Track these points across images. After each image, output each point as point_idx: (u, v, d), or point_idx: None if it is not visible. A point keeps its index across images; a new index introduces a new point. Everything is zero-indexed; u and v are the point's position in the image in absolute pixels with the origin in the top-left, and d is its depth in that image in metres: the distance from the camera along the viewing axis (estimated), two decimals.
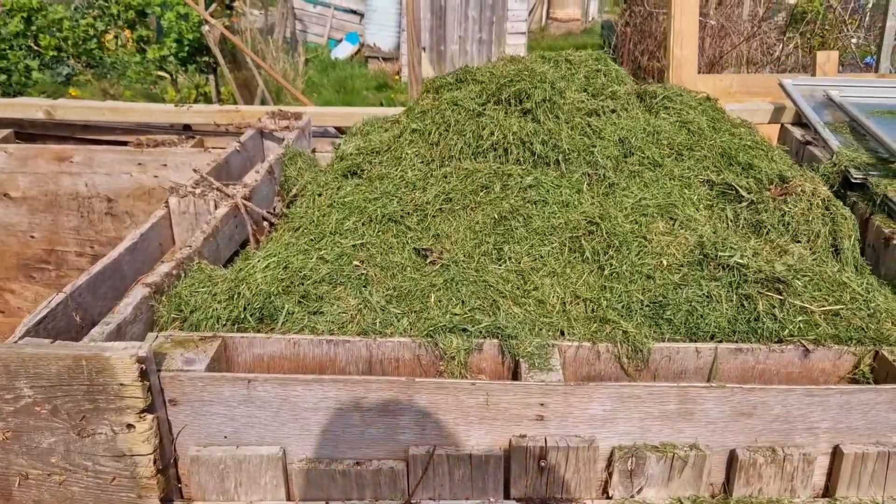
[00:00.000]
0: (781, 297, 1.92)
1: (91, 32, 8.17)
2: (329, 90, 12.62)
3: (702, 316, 1.93)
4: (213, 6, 8.06)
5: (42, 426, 1.56)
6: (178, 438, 1.67)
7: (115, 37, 8.72)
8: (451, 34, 13.49)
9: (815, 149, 3.38)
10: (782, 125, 3.89)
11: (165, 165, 3.89)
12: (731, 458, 1.66)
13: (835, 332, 1.84)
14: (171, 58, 7.95)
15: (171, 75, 8.39)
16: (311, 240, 2.18)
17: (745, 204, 2.29)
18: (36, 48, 7.78)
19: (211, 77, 8.51)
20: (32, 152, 3.85)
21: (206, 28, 7.46)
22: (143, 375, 1.53)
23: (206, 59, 8.18)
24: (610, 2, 19.46)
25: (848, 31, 9.19)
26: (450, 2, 13.38)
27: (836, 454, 1.66)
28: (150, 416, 1.56)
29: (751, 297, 1.93)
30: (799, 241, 2.20)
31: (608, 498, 1.67)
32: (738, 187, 2.30)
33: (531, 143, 2.28)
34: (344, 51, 14.51)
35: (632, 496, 1.66)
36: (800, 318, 1.89)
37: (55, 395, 1.53)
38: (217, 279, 2.13)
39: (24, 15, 7.56)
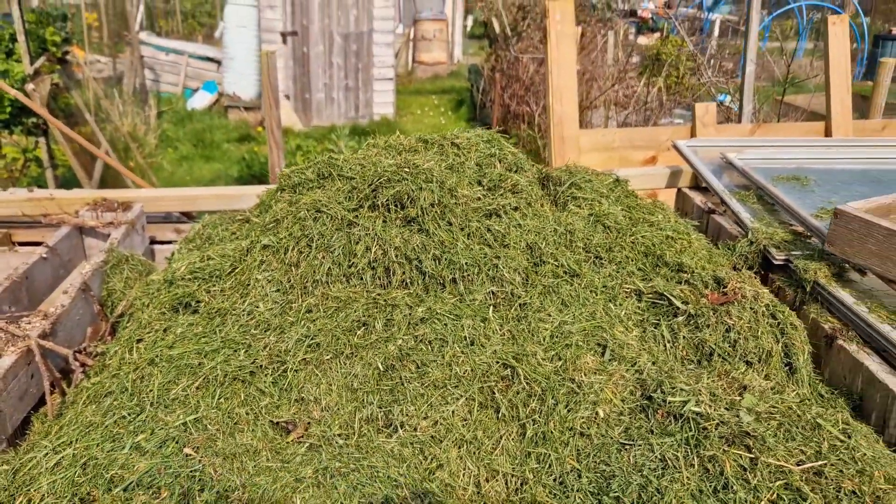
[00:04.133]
0: (752, 456, 1.50)
1: None
2: (186, 144, 11.73)
3: (658, 491, 1.47)
4: (41, 61, 7.12)
5: None
6: None
7: None
8: (315, 82, 12.99)
9: (720, 218, 3.09)
10: (679, 189, 3.62)
11: None
12: None
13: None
14: None
15: None
16: (124, 418, 1.56)
17: (682, 318, 1.88)
18: None
19: (42, 140, 7.50)
20: None
21: (30, 87, 6.53)
22: None
23: (35, 119, 7.19)
24: (475, 46, 19.67)
25: (708, 74, 9.46)
26: (313, 49, 12.91)
27: None
28: None
29: (715, 459, 1.50)
30: (750, 363, 1.82)
31: None
32: (671, 298, 1.89)
33: (420, 261, 1.77)
34: (201, 101, 13.64)
35: None
36: (778, 482, 1.47)
37: None
38: None
39: None
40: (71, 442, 1.53)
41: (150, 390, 1.59)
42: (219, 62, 14.07)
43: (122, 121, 10.26)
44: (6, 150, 7.58)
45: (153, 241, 3.29)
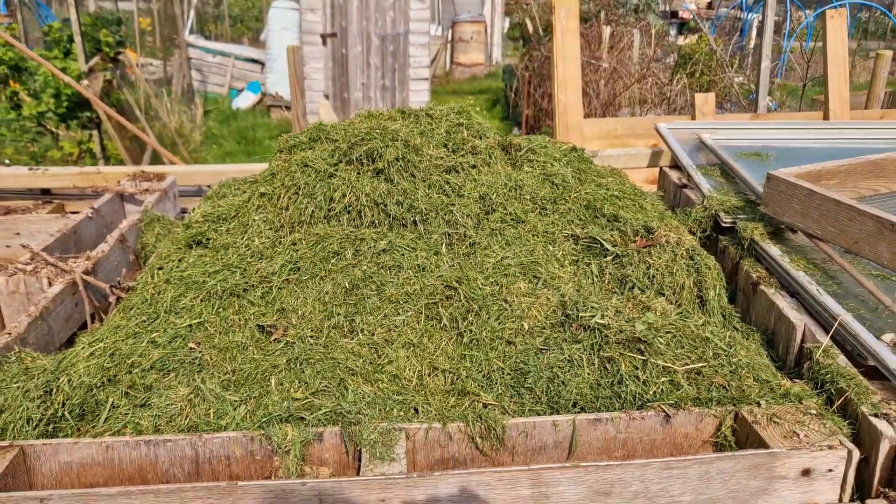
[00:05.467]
0: (644, 358, 1.83)
1: None
2: (230, 141, 12.31)
3: (563, 383, 1.82)
4: (95, 60, 7.72)
5: None
6: None
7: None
8: (353, 82, 13.45)
9: (691, 192, 3.39)
10: (661, 168, 3.92)
11: (18, 234, 3.57)
12: None
13: (697, 393, 1.76)
14: (50, 114, 7.54)
15: (52, 132, 7.96)
16: (144, 321, 1.97)
17: (610, 258, 2.22)
18: None
19: (95, 133, 8.11)
20: None
21: (85, 83, 7.12)
22: None
23: (89, 114, 7.80)
24: (511, 47, 19.96)
25: (729, 71, 9.63)
26: (351, 50, 13.37)
27: None
28: None
29: (613, 360, 1.84)
30: (664, 294, 2.14)
31: None
32: (602, 241, 2.23)
33: (385, 205, 2.15)
34: (245, 100, 14.25)
35: None
36: (663, 378, 1.81)
37: None
38: (34, 371, 1.89)
39: None
40: (102, 339, 1.94)
41: (164, 301, 2.01)
42: (263, 64, 14.67)
43: (170, 118, 10.88)
44: (63, 143, 8.21)
45: (184, 211, 3.73)
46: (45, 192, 3.94)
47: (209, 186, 3.92)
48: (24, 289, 2.41)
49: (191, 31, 16.45)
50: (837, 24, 5.36)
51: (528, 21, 14.56)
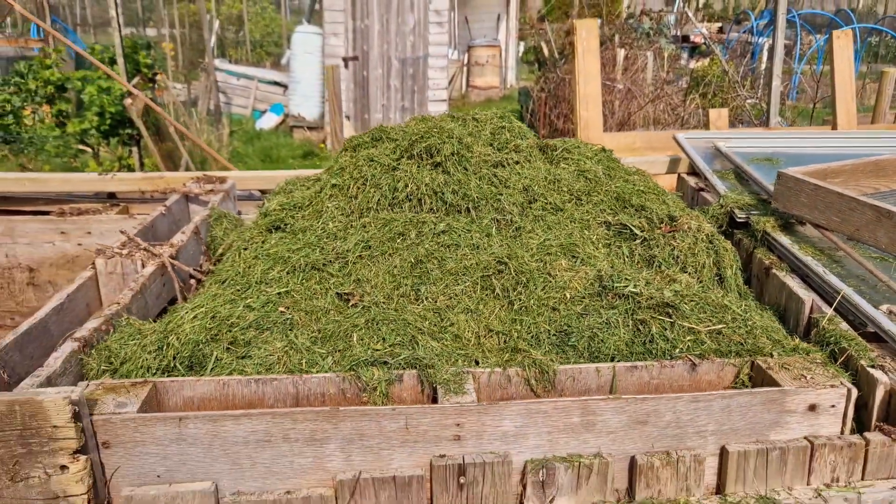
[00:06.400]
0: (671, 320, 2.13)
1: (7, 108, 8.13)
2: (254, 160, 12.69)
3: (602, 341, 2.12)
4: (136, 80, 8.15)
5: None
6: (112, 480, 1.72)
7: (33, 112, 8.67)
8: (374, 103, 13.87)
9: (707, 194, 3.70)
10: (679, 175, 4.23)
11: (90, 233, 3.92)
12: (632, 464, 1.83)
13: (717, 348, 2.06)
14: (93, 131, 7.94)
15: (93, 148, 8.37)
16: (238, 290, 2.29)
17: (638, 241, 2.52)
18: None
19: (134, 149, 8.52)
20: None
21: (128, 101, 7.53)
22: (76, 417, 1.60)
23: (129, 131, 8.21)
24: (525, 70, 20.38)
25: (741, 92, 9.95)
26: (372, 73, 13.81)
27: (723, 454, 1.85)
28: (83, 458, 1.62)
29: (645, 322, 2.14)
30: (686, 272, 2.44)
31: None
32: (631, 227, 2.54)
33: (443, 193, 2.47)
34: (269, 121, 14.69)
35: None
36: (688, 337, 2.10)
37: None
38: (146, 332, 2.20)
39: None
40: (203, 305, 2.26)
41: (255, 274, 2.32)
42: (285, 86, 15.13)
43: (199, 137, 11.31)
44: (102, 159, 8.61)
45: (240, 213, 4.07)
46: (111, 196, 4.29)
47: (261, 191, 4.26)
48: (120, 270, 2.73)
49: (213, 55, 16.94)
50: (843, 44, 5.68)
51: (543, 45, 14.99)
